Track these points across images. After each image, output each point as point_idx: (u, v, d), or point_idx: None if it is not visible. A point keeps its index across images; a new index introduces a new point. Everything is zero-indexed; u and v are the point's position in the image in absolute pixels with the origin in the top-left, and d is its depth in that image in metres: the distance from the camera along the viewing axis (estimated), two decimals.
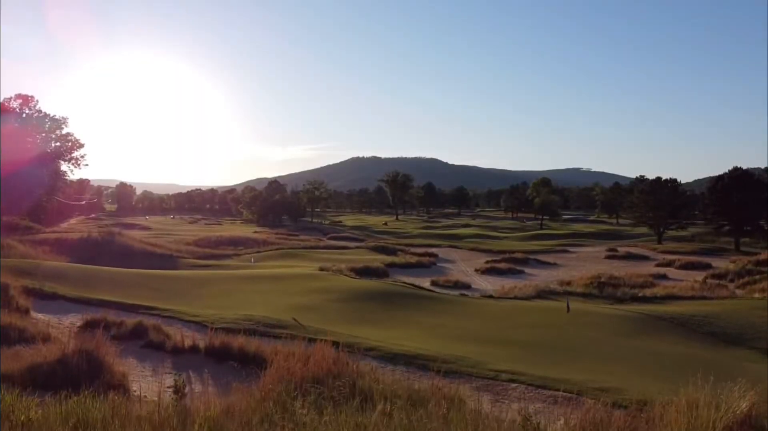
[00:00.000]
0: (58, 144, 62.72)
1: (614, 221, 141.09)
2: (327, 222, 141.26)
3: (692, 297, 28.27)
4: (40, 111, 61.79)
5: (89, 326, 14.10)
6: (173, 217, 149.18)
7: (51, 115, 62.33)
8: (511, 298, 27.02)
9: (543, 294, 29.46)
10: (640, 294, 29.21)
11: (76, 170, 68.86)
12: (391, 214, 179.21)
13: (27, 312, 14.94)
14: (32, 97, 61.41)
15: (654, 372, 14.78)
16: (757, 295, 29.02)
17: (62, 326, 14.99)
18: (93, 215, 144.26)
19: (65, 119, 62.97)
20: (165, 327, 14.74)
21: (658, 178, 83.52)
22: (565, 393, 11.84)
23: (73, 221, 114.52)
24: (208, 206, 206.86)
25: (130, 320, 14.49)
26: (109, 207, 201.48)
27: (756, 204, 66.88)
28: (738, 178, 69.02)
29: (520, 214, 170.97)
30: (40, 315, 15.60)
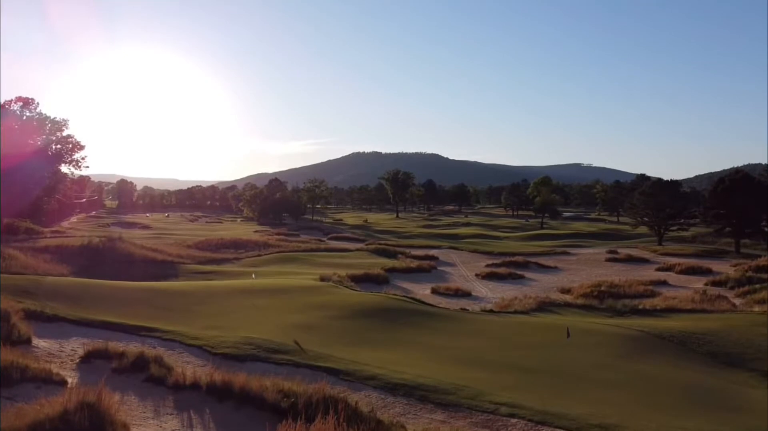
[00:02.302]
0: (59, 146, 62.71)
1: (615, 219, 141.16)
2: (328, 220, 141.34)
3: (692, 310, 28.29)
4: (40, 113, 61.77)
5: (91, 357, 14.16)
6: (167, 215, 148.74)
7: (51, 117, 62.30)
8: (511, 313, 27.02)
9: (544, 306, 29.46)
10: (640, 307, 29.24)
11: (76, 171, 69.13)
12: (391, 211, 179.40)
13: (29, 341, 14.97)
14: (32, 99, 61.43)
15: (653, 402, 14.82)
16: (756, 309, 29.02)
17: (64, 354, 15.03)
18: (94, 212, 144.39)
19: (66, 121, 63.01)
20: (166, 357, 14.79)
21: (659, 180, 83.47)
22: None
23: (74, 219, 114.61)
24: (208, 203, 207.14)
25: (132, 350, 14.53)
26: (110, 203, 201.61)
27: (757, 206, 66.89)
28: (739, 180, 68.99)
29: (520, 212, 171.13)
30: (42, 342, 15.64)
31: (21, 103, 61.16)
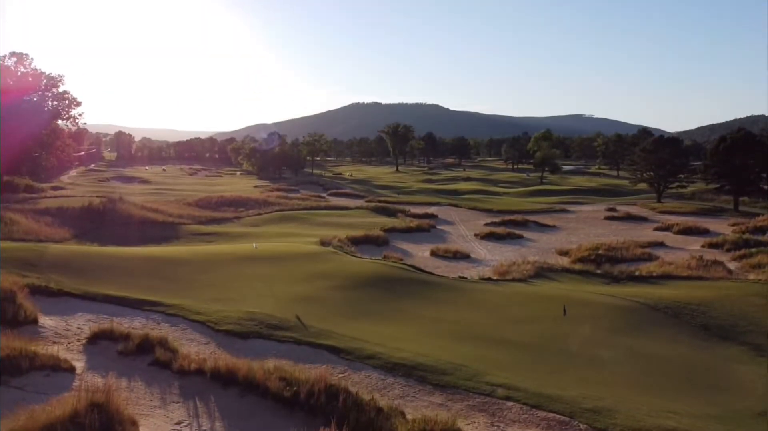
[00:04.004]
0: (55, 103, 62.14)
1: (615, 173, 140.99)
2: (327, 174, 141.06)
3: (688, 278, 28.66)
4: (35, 69, 60.92)
5: (96, 338, 14.46)
6: (164, 169, 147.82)
7: (47, 73, 61.54)
8: (509, 280, 27.39)
9: (542, 272, 29.82)
10: (636, 273, 29.65)
11: (74, 127, 68.80)
12: (391, 164, 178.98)
13: (35, 321, 15.26)
14: (27, 54, 60.46)
15: (646, 381, 15.23)
16: (751, 276, 29.36)
17: (70, 333, 15.35)
18: (93, 165, 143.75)
19: (61, 77, 62.29)
20: (171, 336, 15.12)
21: (661, 136, 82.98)
22: (558, 416, 12.30)
23: (73, 173, 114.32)
24: (207, 155, 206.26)
25: (136, 332, 14.84)
26: (109, 156, 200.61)
27: (757, 165, 66.80)
28: (740, 139, 68.60)
29: (520, 166, 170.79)
30: (48, 321, 15.94)
31: (15, 59, 60.22)
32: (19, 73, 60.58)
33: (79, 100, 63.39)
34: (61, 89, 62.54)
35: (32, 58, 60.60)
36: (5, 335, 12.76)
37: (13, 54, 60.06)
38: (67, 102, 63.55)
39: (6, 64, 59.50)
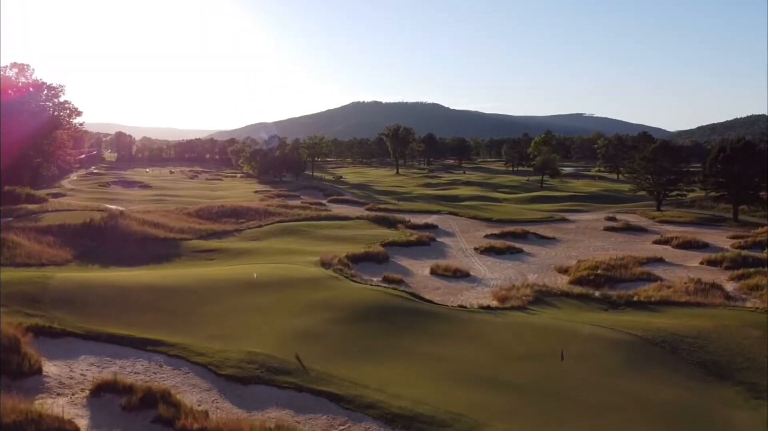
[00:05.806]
0: (56, 113, 62.33)
1: (615, 177, 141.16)
2: (328, 177, 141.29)
3: (686, 303, 28.84)
4: (36, 79, 61.12)
5: (100, 390, 14.66)
6: (171, 172, 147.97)
7: (48, 83, 61.76)
8: (509, 309, 27.56)
9: (541, 296, 29.99)
10: (635, 298, 29.86)
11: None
12: (392, 165, 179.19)
13: (39, 371, 15.46)
14: (28, 65, 60.69)
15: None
16: (749, 302, 29.56)
17: (74, 382, 15.56)
18: (93, 168, 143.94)
19: (62, 87, 62.52)
20: (173, 384, 15.34)
21: (662, 143, 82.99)
22: None
23: (74, 177, 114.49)
24: (207, 156, 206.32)
25: (140, 382, 15.05)
26: (109, 157, 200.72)
27: (757, 176, 66.92)
28: (741, 149, 68.69)
29: (520, 168, 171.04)
30: (52, 368, 16.15)
31: (16, 69, 60.42)
32: (20, 84, 60.80)
33: (80, 109, 63.72)
34: (62, 99, 62.78)
35: (33, 69, 60.98)
36: (10, 395, 12.95)
37: (14, 65, 60.33)
38: (68, 111, 63.78)
39: (7, 74, 59.68)
